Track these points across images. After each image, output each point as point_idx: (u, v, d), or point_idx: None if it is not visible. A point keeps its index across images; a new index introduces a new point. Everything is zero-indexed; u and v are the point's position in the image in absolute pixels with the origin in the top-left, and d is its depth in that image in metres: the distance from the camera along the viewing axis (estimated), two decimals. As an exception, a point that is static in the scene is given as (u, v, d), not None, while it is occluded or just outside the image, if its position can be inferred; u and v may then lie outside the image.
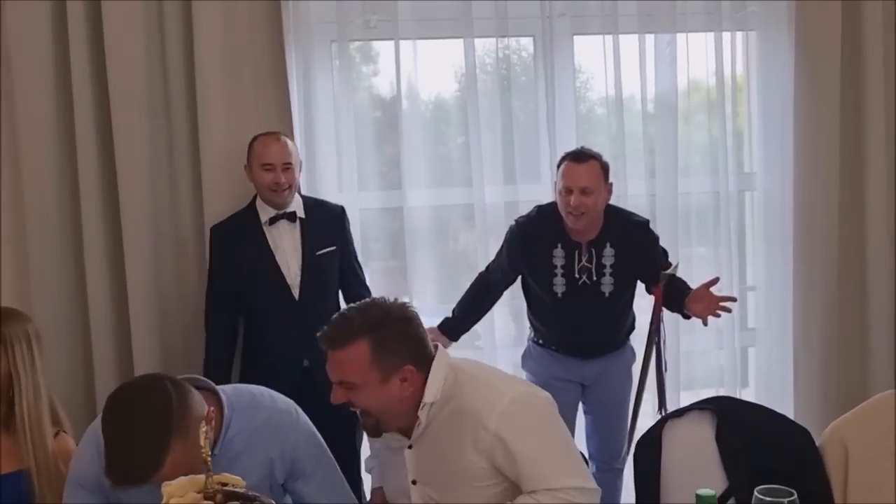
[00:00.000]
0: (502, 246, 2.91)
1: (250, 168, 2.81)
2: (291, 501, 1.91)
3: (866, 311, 3.25)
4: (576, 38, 3.29)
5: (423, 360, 1.78)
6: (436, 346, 1.84)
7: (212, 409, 1.64)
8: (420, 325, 1.80)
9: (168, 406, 1.55)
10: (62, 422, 2.07)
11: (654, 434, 2.14)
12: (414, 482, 1.84)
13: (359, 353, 1.69)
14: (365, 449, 2.38)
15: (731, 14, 3.23)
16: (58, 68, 2.88)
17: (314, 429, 1.93)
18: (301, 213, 2.84)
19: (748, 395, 3.41)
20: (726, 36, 3.23)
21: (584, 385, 2.92)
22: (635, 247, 2.78)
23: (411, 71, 3.14)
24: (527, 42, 3.37)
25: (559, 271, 2.76)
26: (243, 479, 1.38)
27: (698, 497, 1.36)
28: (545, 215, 2.82)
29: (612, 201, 2.83)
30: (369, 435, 1.91)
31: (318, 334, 1.75)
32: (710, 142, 3.29)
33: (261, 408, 1.83)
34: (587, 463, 2.27)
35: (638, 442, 2.19)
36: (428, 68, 3.21)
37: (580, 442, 2.95)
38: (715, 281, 2.70)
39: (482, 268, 3.06)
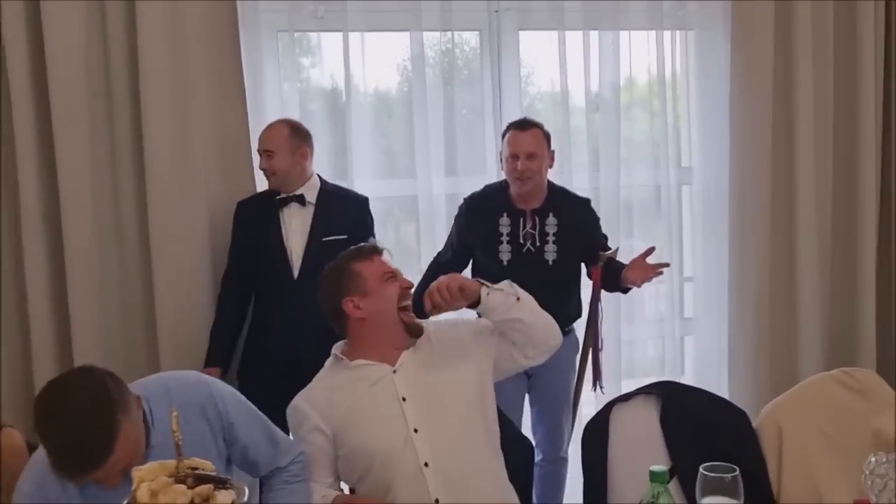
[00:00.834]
0: (453, 225, 3.01)
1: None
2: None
3: (796, 300, 3.38)
4: (521, 33, 3.34)
5: None
6: None
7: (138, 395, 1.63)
8: None
9: (104, 384, 1.55)
10: None
11: (602, 419, 2.20)
12: (404, 399, 1.98)
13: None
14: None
15: (672, 13, 3.33)
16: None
17: (233, 390, 1.95)
18: (311, 199, 2.87)
19: (685, 382, 3.52)
20: (667, 34, 3.33)
21: (528, 375, 2.97)
22: (577, 219, 2.92)
23: (358, 63, 3.15)
24: (470, 36, 3.41)
25: (505, 238, 2.87)
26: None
27: (652, 473, 1.42)
28: (493, 188, 2.98)
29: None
30: (415, 330, 2.07)
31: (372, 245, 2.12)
32: (651, 136, 3.39)
33: (173, 389, 1.79)
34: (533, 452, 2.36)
35: (586, 427, 2.25)
36: (374, 60, 3.23)
37: (526, 433, 2.99)
38: (651, 250, 2.78)
39: (425, 258, 3.11)
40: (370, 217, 2.96)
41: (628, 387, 2.94)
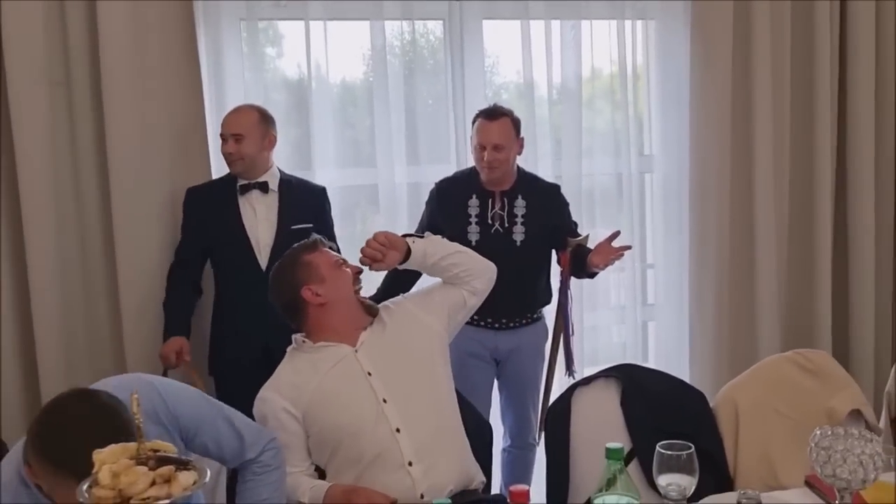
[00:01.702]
0: (424, 210, 3.04)
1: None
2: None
3: (755, 286, 3.45)
4: (485, 22, 3.36)
5: None
6: None
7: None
8: None
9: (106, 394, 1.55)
10: None
11: (564, 402, 2.24)
12: (370, 373, 2.08)
13: None
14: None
15: (633, 5, 3.37)
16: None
17: (183, 385, 1.94)
18: (274, 187, 2.84)
19: (648, 366, 3.58)
20: (628, 25, 3.37)
21: (497, 362, 3.00)
22: (546, 202, 2.97)
23: (320, 52, 3.14)
24: (435, 25, 3.42)
25: (474, 220, 2.91)
26: None
27: (608, 450, 1.45)
28: (464, 173, 3.04)
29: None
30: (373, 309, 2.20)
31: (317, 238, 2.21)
32: (613, 126, 3.43)
33: (112, 388, 1.66)
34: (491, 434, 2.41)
35: (548, 410, 2.30)
36: (337, 50, 3.22)
37: (496, 420, 3.04)
38: (616, 234, 2.82)
39: None
40: (329, 206, 2.96)
41: (591, 373, 3.00)
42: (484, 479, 2.16)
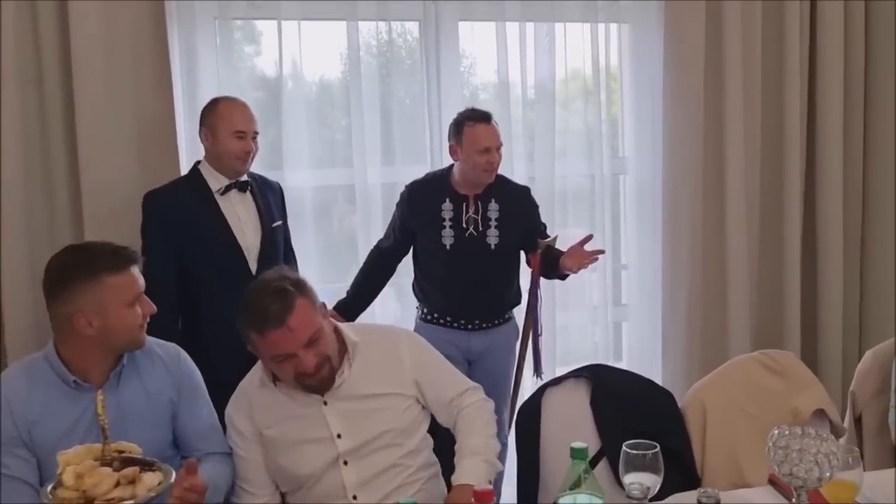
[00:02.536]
0: (395, 212, 3.03)
1: (213, 134, 2.67)
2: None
3: (726, 287, 3.50)
4: (461, 23, 3.37)
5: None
6: None
7: None
8: None
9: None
10: None
11: (534, 402, 2.26)
12: (339, 435, 1.96)
13: (307, 306, 1.90)
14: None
15: (606, 8, 3.40)
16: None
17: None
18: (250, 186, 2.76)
19: (622, 367, 3.60)
20: (601, 27, 3.40)
21: (469, 362, 3.02)
22: (518, 205, 3.00)
23: (295, 52, 3.14)
24: (412, 26, 3.43)
25: (448, 223, 2.91)
26: None
27: (573, 450, 1.47)
28: (436, 176, 3.02)
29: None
30: (323, 390, 1.96)
31: (264, 315, 1.86)
32: (586, 127, 3.45)
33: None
34: None
35: (518, 410, 2.31)
36: (312, 49, 3.22)
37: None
38: (589, 238, 2.85)
39: (363, 247, 3.14)
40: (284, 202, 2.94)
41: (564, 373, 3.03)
42: None
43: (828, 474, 1.43)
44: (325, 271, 3.32)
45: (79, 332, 1.80)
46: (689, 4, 3.36)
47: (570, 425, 2.21)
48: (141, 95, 2.91)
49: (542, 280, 3.00)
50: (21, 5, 2.79)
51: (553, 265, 2.91)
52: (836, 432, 2.29)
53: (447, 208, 2.93)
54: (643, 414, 2.21)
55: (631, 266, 3.62)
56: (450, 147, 2.95)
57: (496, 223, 2.94)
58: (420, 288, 3.08)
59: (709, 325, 3.51)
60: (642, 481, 1.65)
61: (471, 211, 2.93)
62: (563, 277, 2.97)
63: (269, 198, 2.83)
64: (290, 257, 2.95)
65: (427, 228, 2.94)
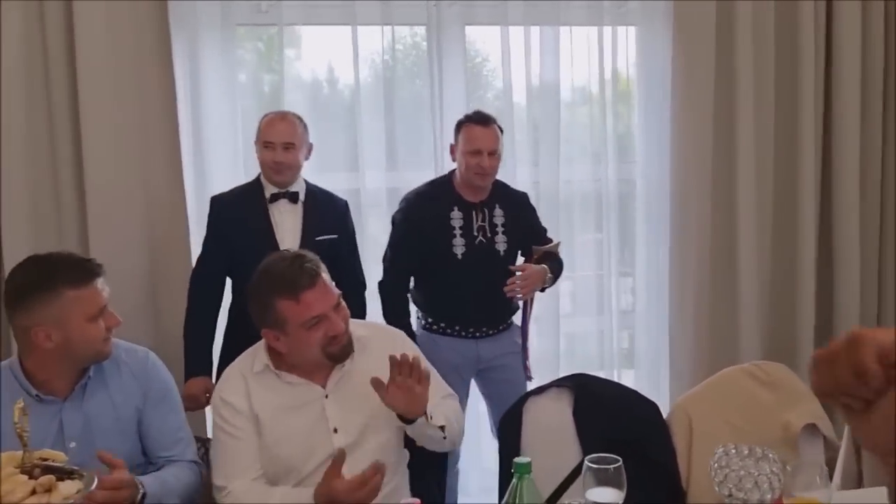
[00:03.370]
0: (392, 235, 2.95)
1: (256, 145, 2.80)
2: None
3: (736, 293, 3.41)
4: (467, 28, 3.35)
5: None
6: None
7: None
8: None
9: None
10: None
11: (516, 410, 2.23)
12: (335, 430, 1.96)
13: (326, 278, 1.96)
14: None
15: (612, 10, 3.35)
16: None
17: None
18: (302, 197, 2.80)
19: (628, 375, 3.56)
20: (608, 30, 3.35)
21: (479, 371, 2.97)
22: (519, 210, 2.98)
23: (298, 57, 3.16)
24: (418, 30, 3.42)
25: (458, 232, 2.87)
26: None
27: (515, 464, 1.44)
28: (437, 184, 2.96)
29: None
30: (345, 358, 1.98)
31: (296, 277, 1.89)
32: (591, 132, 3.41)
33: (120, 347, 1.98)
34: None
35: (501, 419, 2.28)
36: (317, 55, 3.23)
37: (485, 431, 3.09)
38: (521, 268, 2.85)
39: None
40: (351, 219, 2.95)
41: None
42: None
43: (769, 496, 1.38)
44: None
45: (38, 346, 1.78)
46: (698, 4, 3.29)
47: (552, 434, 2.18)
48: (145, 98, 2.95)
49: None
50: (29, 11, 2.84)
51: (556, 271, 2.92)
52: (830, 447, 2.22)
53: (456, 216, 2.88)
54: (626, 424, 2.16)
55: (638, 273, 3.56)
56: (450, 147, 2.93)
57: (502, 229, 2.92)
58: (424, 297, 3.01)
59: (718, 333, 3.43)
60: (605, 497, 1.61)
61: (480, 218, 2.89)
62: (542, 289, 2.94)
63: (323, 212, 2.85)
64: (347, 271, 2.79)
65: (437, 240, 2.87)
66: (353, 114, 3.24)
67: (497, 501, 2.21)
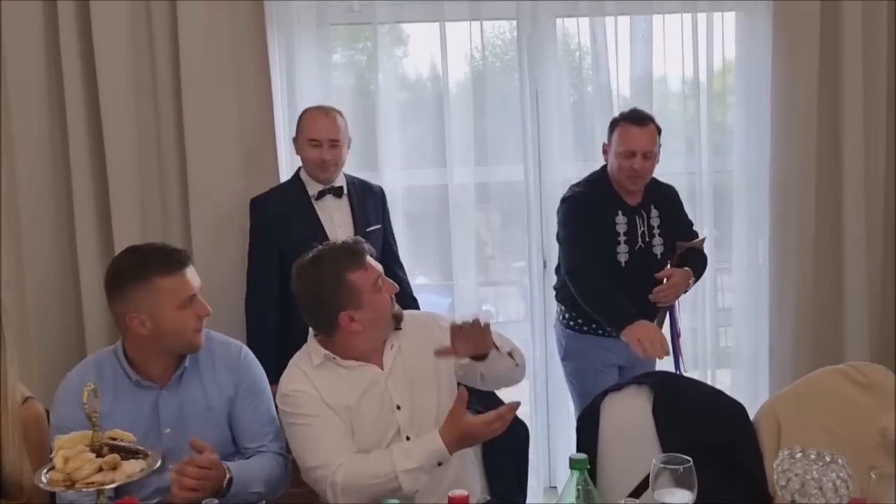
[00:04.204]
0: (566, 223, 2.79)
1: (298, 142, 2.81)
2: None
3: (842, 292, 3.25)
4: (558, 20, 3.31)
5: None
6: None
7: None
8: None
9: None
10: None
11: (594, 407, 2.20)
12: (399, 407, 2.03)
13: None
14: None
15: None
16: (48, 51, 2.97)
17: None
18: (346, 190, 2.82)
19: (724, 375, 3.44)
20: (701, 17, 3.23)
21: (620, 367, 2.88)
22: (672, 206, 2.88)
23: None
24: (509, 25, 3.39)
25: (622, 238, 2.75)
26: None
27: (571, 460, 1.42)
28: (596, 185, 2.82)
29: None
30: (400, 321, 2.10)
31: (351, 249, 2.03)
32: (686, 123, 3.30)
33: (213, 340, 2.08)
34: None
35: (579, 416, 2.25)
36: (418, 53, 3.26)
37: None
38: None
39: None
40: (387, 206, 2.97)
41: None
42: (488, 497, 2.13)
43: (836, 502, 1.30)
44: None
45: (134, 332, 1.89)
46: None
47: (630, 432, 2.13)
48: (243, 102, 3.04)
49: None
50: (136, 16, 2.98)
51: (696, 266, 2.84)
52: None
53: (621, 222, 2.76)
54: (709, 424, 2.10)
55: (737, 268, 3.42)
56: (602, 146, 2.84)
57: (659, 231, 2.81)
58: (566, 301, 2.89)
59: (822, 333, 3.27)
60: (675, 497, 1.57)
61: (640, 223, 2.78)
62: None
63: (367, 202, 2.87)
64: (392, 262, 2.88)
65: (603, 244, 2.75)
66: (442, 110, 3.24)
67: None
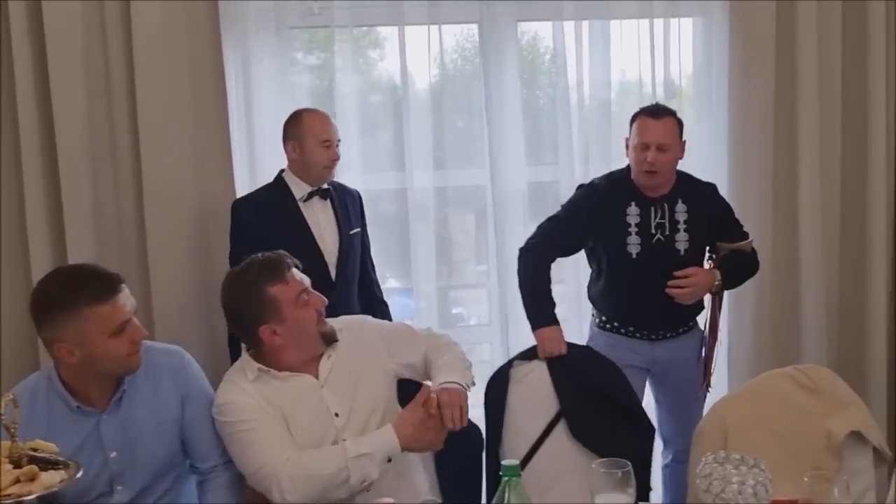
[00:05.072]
0: (572, 206, 2.78)
1: (301, 145, 2.76)
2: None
3: (798, 301, 3.28)
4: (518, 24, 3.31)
5: None
6: None
7: None
8: None
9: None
10: None
11: (503, 371, 2.51)
12: (336, 414, 2.04)
13: None
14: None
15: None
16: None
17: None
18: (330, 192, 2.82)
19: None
20: (658, 23, 3.24)
21: (650, 371, 2.83)
22: (706, 203, 2.77)
23: (349, 59, 3.17)
24: (469, 28, 3.39)
25: (633, 229, 2.69)
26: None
27: (504, 467, 1.41)
28: (616, 177, 2.79)
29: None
30: (333, 339, 2.09)
31: (275, 263, 2.04)
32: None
33: (150, 351, 1.98)
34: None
35: (489, 380, 2.49)
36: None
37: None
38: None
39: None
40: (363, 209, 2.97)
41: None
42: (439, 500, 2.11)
43: None
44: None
45: (63, 360, 1.79)
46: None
47: (533, 387, 2.46)
48: (198, 104, 3.00)
49: None
50: (89, 17, 2.93)
51: (740, 271, 2.79)
52: (881, 458, 2.10)
53: (633, 213, 2.69)
54: (594, 377, 2.47)
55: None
56: (625, 140, 2.78)
57: (685, 226, 2.71)
58: (598, 294, 2.86)
59: (778, 335, 3.29)
60: (614, 500, 1.58)
61: (658, 215, 2.70)
62: (714, 293, 2.82)
63: (347, 205, 2.87)
64: (368, 264, 2.93)
65: (610, 236, 2.71)
66: (401, 114, 3.22)
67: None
